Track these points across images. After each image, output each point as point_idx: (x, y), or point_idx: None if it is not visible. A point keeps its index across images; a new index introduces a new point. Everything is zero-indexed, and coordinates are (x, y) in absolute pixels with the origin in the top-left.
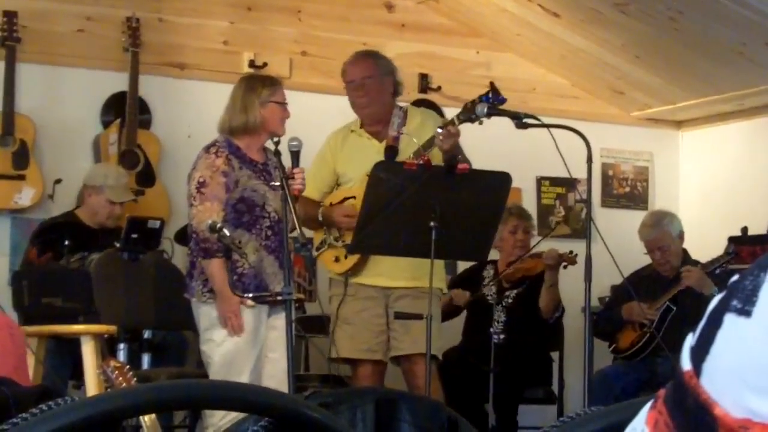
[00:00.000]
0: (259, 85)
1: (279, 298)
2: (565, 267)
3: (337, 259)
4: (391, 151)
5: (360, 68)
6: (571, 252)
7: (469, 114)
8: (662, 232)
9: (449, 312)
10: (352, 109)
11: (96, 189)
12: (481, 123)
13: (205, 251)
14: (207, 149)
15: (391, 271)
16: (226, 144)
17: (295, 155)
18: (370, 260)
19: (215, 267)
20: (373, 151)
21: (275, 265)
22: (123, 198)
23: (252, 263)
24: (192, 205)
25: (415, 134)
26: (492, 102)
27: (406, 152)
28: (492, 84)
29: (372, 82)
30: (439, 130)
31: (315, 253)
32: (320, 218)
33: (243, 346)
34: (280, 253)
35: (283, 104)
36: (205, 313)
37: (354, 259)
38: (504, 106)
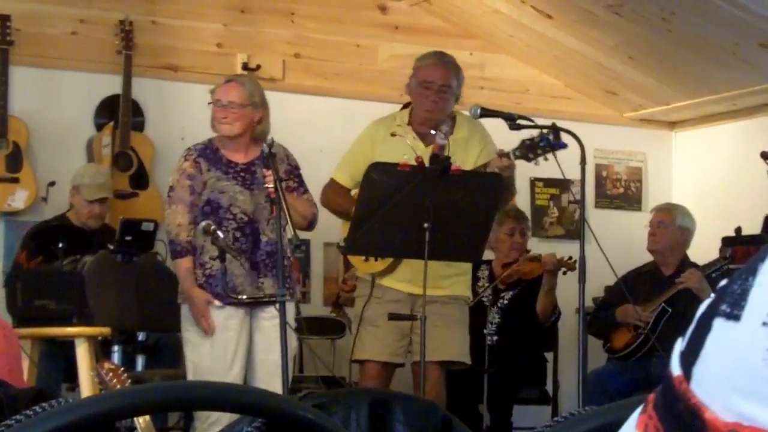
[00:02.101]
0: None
1: (273, 299)
2: (564, 273)
3: (367, 258)
4: (436, 159)
5: (446, 75)
6: (570, 258)
7: (526, 152)
8: (667, 212)
9: None
10: (417, 107)
11: (76, 189)
12: (537, 164)
13: (172, 253)
14: (182, 153)
15: (418, 278)
16: (201, 147)
17: (271, 156)
18: (399, 264)
19: (179, 268)
20: (418, 153)
21: (246, 266)
22: (95, 195)
23: (221, 265)
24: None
25: (459, 145)
26: (551, 145)
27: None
28: (554, 125)
29: (451, 91)
30: (498, 160)
31: (342, 244)
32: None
33: (219, 347)
34: (253, 254)
35: (213, 103)
36: (184, 314)
37: (386, 261)
38: (496, 107)
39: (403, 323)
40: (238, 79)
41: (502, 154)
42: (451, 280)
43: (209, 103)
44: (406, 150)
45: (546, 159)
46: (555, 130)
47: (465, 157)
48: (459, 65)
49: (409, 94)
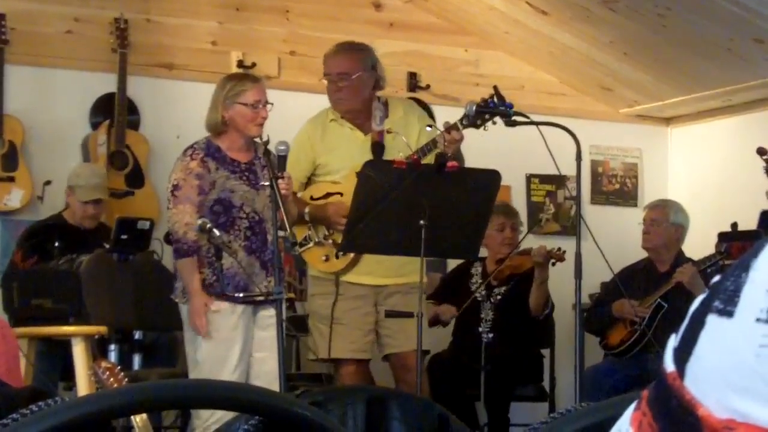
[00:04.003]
0: (228, 84)
1: (270, 297)
2: (553, 264)
3: (327, 258)
4: (378, 147)
5: (340, 63)
6: (559, 249)
7: (474, 119)
8: (660, 210)
9: (434, 324)
10: (329, 101)
11: (71, 189)
12: (485, 129)
13: (178, 251)
14: (184, 152)
15: (379, 269)
16: (204, 145)
17: (282, 159)
18: (358, 260)
19: (185, 267)
20: (358, 143)
21: (256, 265)
22: (91, 197)
23: (232, 263)
24: (168, 208)
25: (399, 127)
26: (497, 107)
27: (392, 148)
28: (495, 88)
29: (351, 79)
30: (445, 134)
31: (298, 250)
32: (307, 217)
33: (223, 345)
34: (262, 253)
35: (252, 105)
36: (186, 313)
37: (346, 259)
38: None
39: (367, 318)
40: (259, 77)
41: (449, 127)
42: (409, 268)
43: (243, 104)
44: (349, 138)
45: (494, 123)
46: (497, 92)
47: (406, 138)
48: (363, 48)
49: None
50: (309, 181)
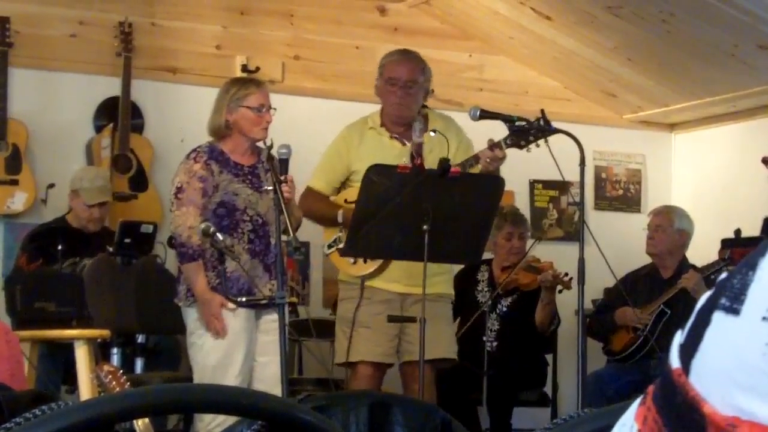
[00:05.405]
0: (232, 88)
1: (272, 302)
2: (560, 291)
3: (354, 261)
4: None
5: (410, 70)
6: (566, 274)
7: (517, 139)
8: (665, 215)
9: None
10: (385, 105)
11: (75, 192)
12: (528, 150)
13: (182, 255)
14: (188, 155)
15: (406, 278)
16: (207, 149)
17: (284, 163)
18: (386, 265)
19: (192, 271)
20: (395, 153)
21: (259, 268)
22: (96, 200)
23: (236, 267)
24: (171, 211)
25: (436, 142)
26: (542, 130)
27: (429, 159)
28: (542, 111)
29: (418, 86)
30: (488, 152)
31: (327, 251)
32: (340, 219)
33: (227, 349)
34: (266, 256)
35: (257, 109)
36: (190, 317)
37: (374, 263)
38: (495, 109)
39: (394, 323)
40: (263, 81)
41: (492, 145)
42: (437, 279)
43: (248, 107)
44: (387, 148)
45: (537, 146)
46: (544, 116)
47: (442, 153)
48: (424, 60)
49: (377, 94)
50: (344, 185)
